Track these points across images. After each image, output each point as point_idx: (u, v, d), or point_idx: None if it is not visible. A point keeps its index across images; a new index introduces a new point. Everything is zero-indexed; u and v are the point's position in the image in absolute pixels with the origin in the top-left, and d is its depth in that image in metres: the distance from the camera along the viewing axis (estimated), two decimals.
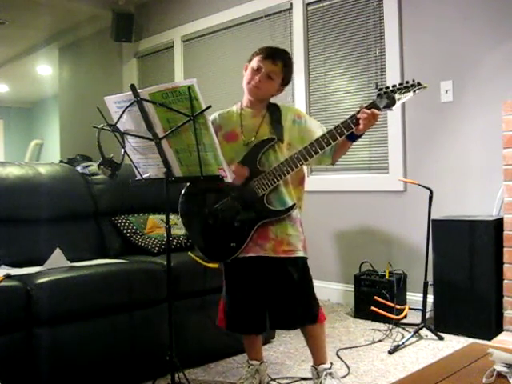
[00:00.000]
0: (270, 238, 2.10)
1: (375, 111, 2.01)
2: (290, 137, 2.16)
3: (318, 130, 2.20)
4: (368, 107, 2.02)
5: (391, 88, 2.03)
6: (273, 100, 2.25)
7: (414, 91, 2.03)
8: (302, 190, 2.23)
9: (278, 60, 2.13)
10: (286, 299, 2.15)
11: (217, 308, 2.31)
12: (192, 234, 2.22)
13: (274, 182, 2.06)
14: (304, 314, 2.16)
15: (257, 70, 2.13)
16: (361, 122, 2.00)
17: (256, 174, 2.09)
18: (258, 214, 2.08)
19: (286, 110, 2.21)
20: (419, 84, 2.02)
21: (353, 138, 2.09)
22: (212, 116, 2.23)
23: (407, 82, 2.03)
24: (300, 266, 2.15)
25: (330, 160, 2.21)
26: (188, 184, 2.21)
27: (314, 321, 2.17)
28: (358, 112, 2.01)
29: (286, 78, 2.19)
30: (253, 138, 2.13)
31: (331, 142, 2.03)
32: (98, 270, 2.34)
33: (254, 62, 2.15)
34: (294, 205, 2.11)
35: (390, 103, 2.03)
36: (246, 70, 2.20)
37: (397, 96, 2.02)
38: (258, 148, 2.11)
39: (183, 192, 2.22)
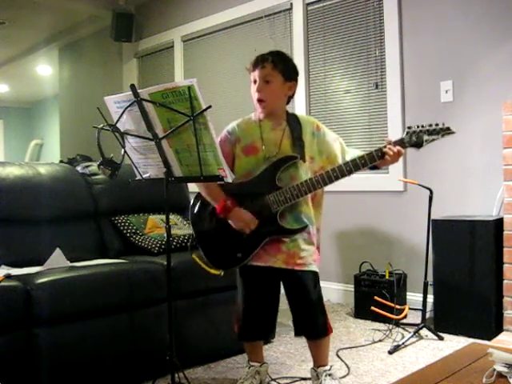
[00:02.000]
0: (282, 251, 2.09)
1: (401, 150, 2.03)
2: (311, 151, 2.15)
3: (335, 142, 2.20)
4: (395, 143, 2.04)
5: (421, 128, 2.04)
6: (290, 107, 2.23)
7: (443, 135, 2.05)
8: (318, 210, 2.21)
9: (264, 62, 2.10)
10: (296, 311, 2.15)
11: (218, 307, 2.31)
12: (200, 239, 2.18)
13: (290, 201, 2.05)
14: (313, 327, 2.15)
15: (254, 83, 2.13)
16: (386, 157, 2.02)
17: (273, 189, 2.07)
18: (268, 229, 2.07)
19: (306, 123, 2.18)
20: (448, 129, 2.04)
21: (373, 167, 2.09)
22: (230, 126, 2.21)
23: (437, 125, 2.05)
24: (312, 279, 2.13)
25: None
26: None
27: (323, 334, 2.16)
28: (385, 146, 2.03)
29: (286, 71, 2.12)
30: (275, 153, 2.10)
31: (353, 170, 2.04)
32: (98, 270, 2.34)
33: (251, 77, 2.15)
34: (306, 226, 2.10)
35: (418, 143, 2.05)
36: None
37: (425, 137, 2.04)
38: (279, 164, 2.08)
39: (195, 196, 2.20)
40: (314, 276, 2.14)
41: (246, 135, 2.16)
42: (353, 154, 2.19)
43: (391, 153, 2.01)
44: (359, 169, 2.04)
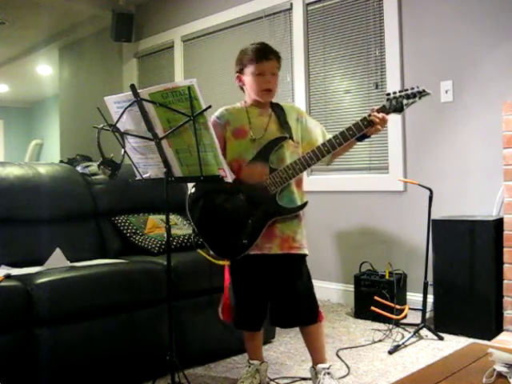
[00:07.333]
0: (276, 235, 2.12)
1: (385, 116, 2.09)
2: (296, 136, 2.20)
3: (316, 129, 2.27)
4: (378, 110, 2.10)
5: (399, 94, 2.11)
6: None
7: (420, 97, 2.12)
8: (302, 190, 2.25)
9: (270, 54, 2.17)
10: (290, 297, 2.16)
11: (218, 307, 2.30)
12: (202, 232, 2.19)
13: (287, 180, 2.09)
14: (306, 312, 2.18)
15: (261, 75, 2.14)
16: (372, 123, 2.07)
17: (268, 171, 2.11)
18: (270, 212, 2.10)
19: (290, 110, 2.25)
20: (424, 91, 2.12)
21: (360, 138, 2.13)
22: (219, 111, 2.24)
23: (412, 88, 2.11)
24: (304, 264, 2.19)
25: (328, 160, 2.24)
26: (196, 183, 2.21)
27: (315, 320, 2.19)
28: (370, 115, 2.08)
29: (280, 64, 2.23)
30: (261, 135, 2.15)
31: (343, 142, 2.09)
32: (98, 270, 2.34)
33: (253, 68, 2.15)
34: (306, 202, 2.15)
35: (399, 108, 2.12)
36: (240, 80, 2.22)
37: (404, 101, 2.11)
38: (270, 146, 2.13)
39: (192, 190, 2.21)
40: (304, 259, 2.20)
41: (235, 119, 2.21)
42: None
43: (377, 120, 2.07)
44: (348, 139, 2.09)
